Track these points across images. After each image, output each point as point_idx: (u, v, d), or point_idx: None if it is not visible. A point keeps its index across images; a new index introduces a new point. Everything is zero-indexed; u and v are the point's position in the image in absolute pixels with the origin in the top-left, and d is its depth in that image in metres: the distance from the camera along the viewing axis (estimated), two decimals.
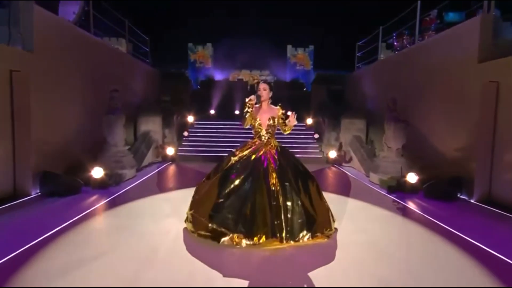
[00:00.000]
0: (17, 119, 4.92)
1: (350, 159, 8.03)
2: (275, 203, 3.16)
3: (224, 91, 12.58)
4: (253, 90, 3.61)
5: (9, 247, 3.08)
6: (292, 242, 3.14)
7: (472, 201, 5.12)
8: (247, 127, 3.51)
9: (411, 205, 4.82)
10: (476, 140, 5.17)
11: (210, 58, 36.26)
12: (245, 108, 3.38)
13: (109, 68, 7.59)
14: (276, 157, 3.37)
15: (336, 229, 3.56)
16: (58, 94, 5.69)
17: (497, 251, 3.19)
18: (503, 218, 4.34)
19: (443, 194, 5.10)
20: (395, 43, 8.88)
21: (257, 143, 3.48)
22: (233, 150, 3.56)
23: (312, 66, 37.66)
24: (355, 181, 6.52)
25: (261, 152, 3.39)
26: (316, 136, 9.99)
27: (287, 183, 3.24)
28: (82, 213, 4.14)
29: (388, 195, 5.39)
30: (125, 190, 5.41)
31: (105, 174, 5.36)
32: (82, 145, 6.22)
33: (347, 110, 9.11)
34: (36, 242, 3.22)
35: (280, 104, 3.56)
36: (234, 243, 3.10)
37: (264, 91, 3.47)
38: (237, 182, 3.23)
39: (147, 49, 11.17)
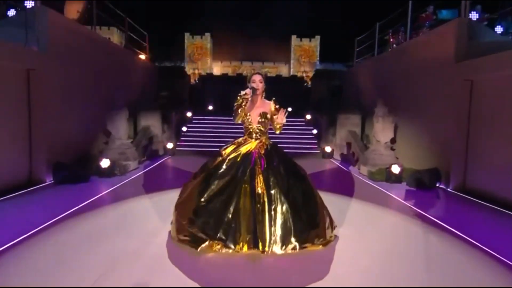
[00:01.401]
0: (33, 114, 6.01)
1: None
2: (260, 207, 3.12)
3: (223, 86, 13.66)
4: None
5: (23, 228, 3.71)
6: (276, 252, 3.09)
7: (448, 189, 6.16)
8: (239, 122, 3.48)
9: (395, 195, 5.80)
10: (452, 133, 6.20)
11: (208, 49, 37.16)
12: (237, 102, 3.32)
13: (111, 65, 8.70)
14: (264, 156, 3.32)
15: (336, 236, 3.51)
16: (67, 90, 6.78)
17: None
18: (477, 205, 5.30)
19: (423, 183, 6.13)
20: (391, 40, 9.89)
21: (246, 141, 3.44)
22: (220, 148, 3.52)
23: (318, 59, 38.25)
24: (347, 175, 7.57)
25: (249, 151, 3.35)
26: (315, 131, 11.05)
27: (274, 186, 3.19)
28: (90, 199, 5.08)
29: (375, 186, 6.43)
30: (129, 180, 6.48)
31: (111, 165, 6.44)
32: (89, 137, 7.33)
33: (344, 105, 10.16)
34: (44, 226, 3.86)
35: (274, 98, 3.51)
36: (214, 250, 3.08)
37: (260, 84, 3.41)
38: (221, 183, 3.20)
39: (145, 44, 12.24)
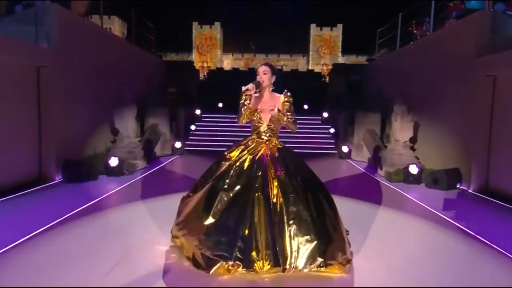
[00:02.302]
0: (43, 111, 6.75)
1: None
2: (277, 218, 3.04)
3: (234, 82, 14.27)
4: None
5: (30, 228, 4.17)
6: (299, 270, 2.99)
7: (470, 191, 6.60)
8: (244, 123, 3.39)
9: (414, 197, 6.23)
10: (474, 132, 6.64)
11: (218, 40, 37.75)
12: (241, 100, 3.26)
13: (119, 61, 9.46)
14: (278, 160, 3.26)
15: (351, 255, 3.36)
16: (77, 87, 7.52)
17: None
18: (500, 208, 5.67)
19: (442, 184, 6.59)
20: (415, 31, 10.34)
21: (254, 142, 3.36)
22: (224, 151, 3.45)
23: (340, 50, 38.27)
24: (364, 176, 8.07)
25: (259, 154, 3.28)
26: (332, 130, 11.56)
27: (292, 194, 3.11)
28: (98, 198, 5.69)
29: (392, 187, 6.92)
30: (137, 179, 7.13)
31: (120, 163, 7.13)
32: (98, 135, 8.07)
33: (364, 102, 10.64)
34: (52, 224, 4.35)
35: (286, 90, 3.43)
36: (229, 271, 2.99)
37: (265, 75, 3.35)
38: (230, 195, 3.13)
39: (152, 37, 13.01)
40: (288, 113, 3.34)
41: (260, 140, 3.36)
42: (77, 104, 7.56)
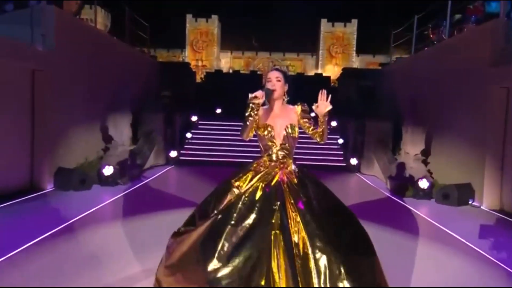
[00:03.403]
0: (37, 117, 7.51)
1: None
2: (300, 262, 2.80)
3: (233, 86, 15.08)
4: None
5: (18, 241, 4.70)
6: None
7: (482, 207, 7.33)
8: (249, 138, 3.22)
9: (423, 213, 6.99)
10: (486, 146, 7.39)
11: (215, 36, 38.46)
12: (247, 111, 3.07)
13: (115, 63, 10.29)
14: (298, 188, 3.06)
15: None
16: (72, 91, 8.31)
17: None
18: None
19: (453, 200, 7.32)
20: (431, 35, 11.17)
21: (266, 165, 3.18)
22: (231, 178, 3.20)
23: (355, 50, 38.75)
24: (370, 191, 8.81)
25: (274, 182, 3.08)
26: (341, 141, 12.32)
27: (318, 231, 2.88)
28: (90, 210, 6.33)
29: (400, 202, 7.66)
30: (130, 190, 7.87)
31: (114, 172, 7.87)
32: (93, 142, 8.85)
33: (376, 110, 11.41)
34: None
35: (299, 102, 3.30)
36: None
37: (278, 82, 3.20)
38: (240, 233, 2.89)
39: (146, 37, 13.85)
40: (310, 125, 3.22)
41: (273, 164, 3.17)
42: (73, 108, 8.35)
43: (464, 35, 8.71)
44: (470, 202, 7.49)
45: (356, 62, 35.52)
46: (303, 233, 2.84)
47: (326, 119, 3.16)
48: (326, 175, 9.85)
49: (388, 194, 8.29)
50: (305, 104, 3.29)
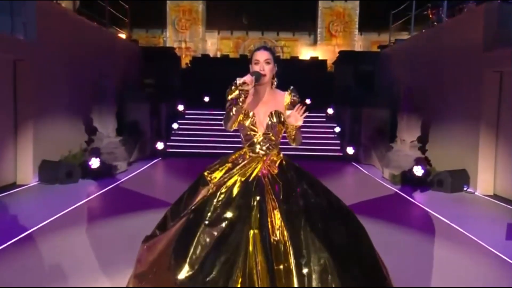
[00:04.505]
0: (20, 109, 8.39)
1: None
2: (282, 266, 2.81)
3: (222, 71, 15.95)
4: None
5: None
6: None
7: (476, 193, 8.35)
8: (233, 128, 3.21)
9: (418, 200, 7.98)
10: (480, 131, 8.40)
11: (200, 14, 38.87)
12: (229, 95, 3.06)
13: (98, 52, 11.22)
14: (280, 181, 3.08)
15: None
16: (55, 82, 9.20)
17: None
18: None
19: (447, 186, 8.32)
20: (431, 15, 12.14)
21: (246, 157, 3.21)
22: (205, 171, 3.24)
23: (357, 27, 39.62)
24: (365, 179, 9.81)
25: (253, 175, 3.10)
26: (337, 129, 13.31)
27: (302, 230, 2.88)
28: (76, 203, 7.11)
29: (395, 189, 8.66)
30: (116, 184, 8.77)
31: (101, 165, 8.80)
32: (78, 134, 9.76)
33: (374, 97, 12.40)
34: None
35: (292, 87, 3.29)
36: None
37: (268, 65, 3.17)
38: (214, 233, 2.91)
39: (126, 20, 14.69)
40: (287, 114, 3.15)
41: (255, 155, 3.19)
42: (56, 99, 9.28)
43: (460, 17, 9.68)
44: (465, 189, 8.51)
45: (359, 41, 36.24)
46: (284, 231, 2.86)
47: (295, 128, 3.14)
48: (322, 165, 10.89)
49: (383, 183, 9.29)
50: (297, 94, 3.27)
